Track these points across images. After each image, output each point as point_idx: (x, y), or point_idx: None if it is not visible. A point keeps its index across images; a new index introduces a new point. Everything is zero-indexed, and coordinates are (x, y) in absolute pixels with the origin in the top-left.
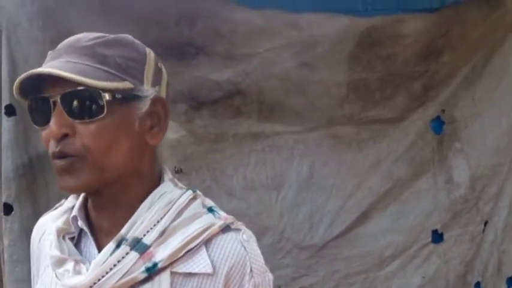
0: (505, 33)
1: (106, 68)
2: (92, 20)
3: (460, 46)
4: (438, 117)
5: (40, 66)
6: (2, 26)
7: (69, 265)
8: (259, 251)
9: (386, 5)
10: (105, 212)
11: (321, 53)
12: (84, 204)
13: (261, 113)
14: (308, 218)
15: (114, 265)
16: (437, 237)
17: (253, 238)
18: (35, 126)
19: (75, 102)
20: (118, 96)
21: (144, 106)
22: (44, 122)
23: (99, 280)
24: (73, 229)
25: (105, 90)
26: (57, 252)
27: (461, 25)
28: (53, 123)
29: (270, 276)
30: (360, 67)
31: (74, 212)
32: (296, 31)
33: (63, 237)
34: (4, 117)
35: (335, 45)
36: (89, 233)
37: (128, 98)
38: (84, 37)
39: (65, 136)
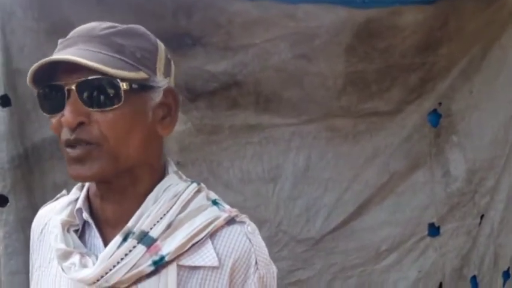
0: (503, 25)
1: (123, 58)
2: (88, 10)
3: (457, 38)
4: (435, 110)
5: (35, 56)
6: None
7: (75, 258)
8: (263, 244)
9: None
10: (111, 203)
11: (318, 45)
12: (88, 196)
13: (257, 105)
14: (305, 211)
15: (122, 258)
16: (434, 230)
17: (257, 231)
18: (44, 114)
19: (92, 91)
20: (134, 86)
21: (158, 97)
22: (56, 109)
23: (106, 273)
24: (77, 221)
25: (123, 79)
26: (62, 245)
27: (459, 17)
28: (68, 112)
29: (274, 268)
30: (357, 59)
31: (79, 204)
32: (293, 22)
33: (68, 230)
34: None
35: (332, 36)
36: (93, 225)
37: (143, 88)
38: (98, 26)
39: (81, 124)
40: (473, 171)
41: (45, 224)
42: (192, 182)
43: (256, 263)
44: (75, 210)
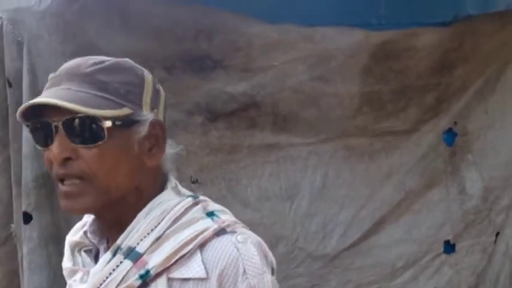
0: None
1: (106, 95)
2: (111, 34)
3: (473, 59)
4: (450, 129)
5: None
6: (23, 39)
7: (78, 275)
8: (255, 253)
9: (400, 19)
10: (113, 228)
11: (335, 66)
12: None
13: (275, 125)
14: (321, 228)
15: (110, 273)
16: (449, 247)
17: (252, 240)
18: (38, 147)
19: (76, 128)
20: (118, 122)
21: (143, 130)
22: (46, 143)
23: None
24: (88, 242)
25: (106, 118)
26: (69, 265)
27: (474, 38)
28: (55, 147)
29: (268, 277)
30: (373, 80)
31: (85, 227)
32: (310, 44)
33: (80, 251)
34: (24, 127)
35: (349, 58)
36: (99, 247)
37: (128, 123)
38: (85, 63)
39: (68, 159)
40: (489, 190)
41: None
42: (187, 197)
43: (244, 272)
44: (83, 232)
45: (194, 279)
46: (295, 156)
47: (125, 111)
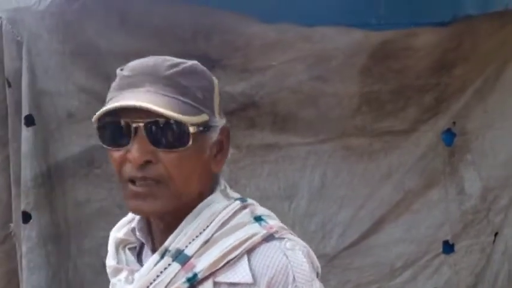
0: None
1: (188, 101)
2: (111, 33)
3: (472, 59)
4: (449, 129)
5: (60, 77)
6: (23, 38)
7: (123, 275)
8: (304, 260)
9: (399, 19)
10: (164, 226)
11: (334, 66)
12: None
13: (274, 125)
14: (320, 228)
15: (157, 276)
16: (448, 248)
17: (300, 246)
18: (105, 146)
19: (160, 132)
20: (200, 128)
21: (215, 135)
22: (119, 144)
23: None
24: (133, 240)
25: (192, 124)
26: (113, 263)
27: (473, 38)
28: (135, 150)
29: (317, 285)
30: (372, 80)
31: (134, 224)
32: (309, 44)
33: (124, 248)
34: (23, 127)
35: (348, 58)
36: (146, 245)
37: (205, 129)
38: (161, 65)
39: (147, 162)
40: (488, 190)
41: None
42: (235, 200)
43: (294, 279)
44: (130, 229)
45: (241, 284)
46: (294, 156)
47: (203, 117)
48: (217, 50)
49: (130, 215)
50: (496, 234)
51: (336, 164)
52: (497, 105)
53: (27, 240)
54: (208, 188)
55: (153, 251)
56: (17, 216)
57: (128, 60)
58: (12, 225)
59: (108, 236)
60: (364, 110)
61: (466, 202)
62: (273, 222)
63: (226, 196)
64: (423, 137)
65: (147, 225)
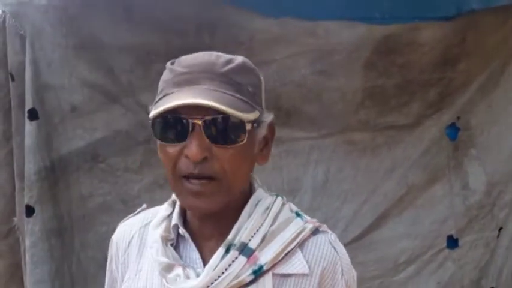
0: None
1: (244, 98)
2: (114, 27)
3: (476, 54)
4: (453, 124)
5: (63, 71)
6: (26, 32)
7: (179, 270)
8: (345, 250)
9: (403, 13)
10: (211, 222)
11: (338, 61)
12: (183, 212)
13: (277, 119)
14: (323, 223)
15: (226, 269)
16: (453, 242)
17: (337, 238)
18: (159, 141)
19: (218, 128)
20: (254, 125)
21: (264, 131)
22: (175, 140)
23: (212, 283)
24: (173, 236)
25: (249, 120)
26: (165, 259)
27: (477, 33)
28: (194, 146)
29: (354, 273)
30: (376, 74)
31: (175, 220)
32: (313, 39)
33: (167, 244)
34: (27, 121)
35: (351, 52)
36: (190, 240)
37: (257, 125)
38: (217, 61)
39: (205, 159)
40: (492, 184)
41: (132, 237)
42: (276, 196)
43: (342, 270)
44: (171, 225)
45: (297, 274)
46: (297, 151)
47: (256, 114)
48: (221, 44)
49: (162, 213)
50: (500, 229)
51: (340, 159)
52: (501, 100)
53: (31, 234)
54: (249, 182)
55: (196, 245)
56: (20, 210)
57: (130, 54)
58: (15, 219)
59: (111, 230)
60: (368, 104)
61: (470, 197)
62: (308, 217)
63: (266, 191)
64: (427, 132)
65: (184, 220)
